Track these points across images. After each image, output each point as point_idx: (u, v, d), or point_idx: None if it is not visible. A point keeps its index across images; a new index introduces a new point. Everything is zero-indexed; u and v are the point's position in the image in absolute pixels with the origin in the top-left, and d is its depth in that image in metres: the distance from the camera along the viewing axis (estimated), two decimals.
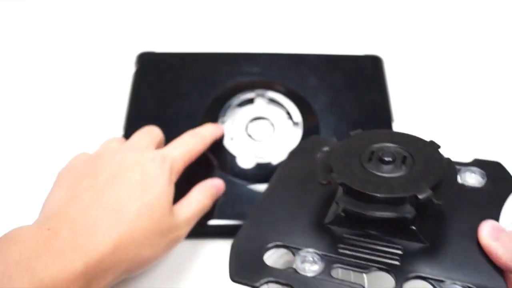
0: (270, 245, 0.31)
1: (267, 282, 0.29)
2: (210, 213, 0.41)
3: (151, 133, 0.41)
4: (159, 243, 0.34)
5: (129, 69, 0.52)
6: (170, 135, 0.42)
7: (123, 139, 0.42)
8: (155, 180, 0.35)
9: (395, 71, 0.53)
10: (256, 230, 0.32)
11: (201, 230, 0.41)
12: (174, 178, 0.37)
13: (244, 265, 0.30)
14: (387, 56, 0.53)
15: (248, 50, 0.54)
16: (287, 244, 0.31)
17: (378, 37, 0.57)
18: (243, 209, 0.42)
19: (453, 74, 0.54)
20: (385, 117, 0.47)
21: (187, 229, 0.37)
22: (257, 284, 0.29)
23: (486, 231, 0.30)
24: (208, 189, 0.40)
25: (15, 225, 0.31)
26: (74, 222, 0.31)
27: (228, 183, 0.43)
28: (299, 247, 0.30)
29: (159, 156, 0.37)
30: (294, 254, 0.30)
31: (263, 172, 0.45)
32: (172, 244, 0.36)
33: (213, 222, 0.42)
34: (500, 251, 0.28)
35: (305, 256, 0.30)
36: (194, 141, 0.41)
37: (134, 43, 0.56)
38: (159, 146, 0.41)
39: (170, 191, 0.36)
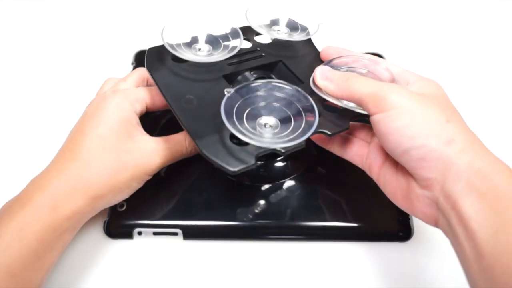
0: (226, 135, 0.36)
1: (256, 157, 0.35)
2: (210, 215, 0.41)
3: (129, 76, 0.43)
4: (122, 167, 0.37)
5: (127, 67, 0.52)
6: (166, 131, 0.42)
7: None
8: (104, 112, 0.38)
9: None
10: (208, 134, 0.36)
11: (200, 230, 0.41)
12: (132, 105, 0.39)
13: (232, 158, 0.35)
14: (388, 53, 0.53)
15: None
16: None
17: (379, 35, 0.57)
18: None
19: (454, 71, 0.54)
20: None
21: (156, 160, 0.38)
22: (254, 161, 0.35)
23: (317, 74, 0.39)
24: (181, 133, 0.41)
25: None
26: (41, 172, 0.36)
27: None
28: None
29: (110, 90, 0.40)
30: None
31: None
32: (138, 171, 0.38)
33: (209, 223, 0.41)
34: (330, 87, 0.37)
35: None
36: (154, 88, 0.42)
37: (131, 41, 0.55)
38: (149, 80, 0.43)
39: (122, 117, 0.38)
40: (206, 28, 0.43)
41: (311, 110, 0.37)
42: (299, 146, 0.35)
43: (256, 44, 0.45)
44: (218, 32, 0.43)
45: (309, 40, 0.46)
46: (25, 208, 0.33)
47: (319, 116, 0.37)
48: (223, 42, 0.43)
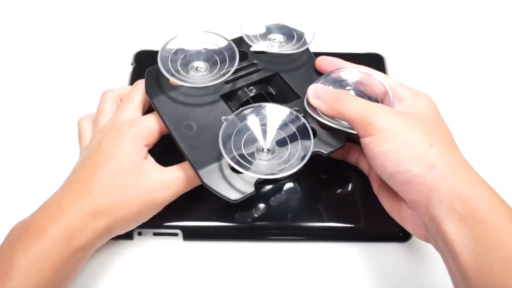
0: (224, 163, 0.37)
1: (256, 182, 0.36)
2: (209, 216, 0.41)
3: (130, 97, 0.42)
4: (129, 204, 0.37)
5: (127, 67, 0.52)
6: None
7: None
8: (118, 147, 0.38)
9: (397, 69, 0.52)
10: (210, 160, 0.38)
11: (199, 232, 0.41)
12: (144, 139, 0.39)
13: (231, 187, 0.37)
14: (389, 53, 0.53)
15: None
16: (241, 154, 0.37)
17: (380, 35, 0.57)
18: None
19: (454, 71, 0.54)
20: None
21: (162, 194, 0.38)
22: (253, 189, 0.36)
23: (311, 93, 0.40)
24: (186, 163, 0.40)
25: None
26: (49, 201, 0.37)
27: None
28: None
29: (126, 124, 0.40)
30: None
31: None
32: (145, 207, 0.38)
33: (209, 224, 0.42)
34: (321, 106, 0.39)
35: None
36: None
37: (131, 41, 0.55)
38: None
39: (133, 153, 0.38)
40: (203, 43, 0.43)
41: (306, 133, 0.38)
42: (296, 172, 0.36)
43: (252, 56, 0.45)
44: (214, 46, 0.43)
45: (306, 49, 0.46)
46: (42, 241, 0.34)
47: (315, 135, 0.39)
48: (219, 57, 0.43)
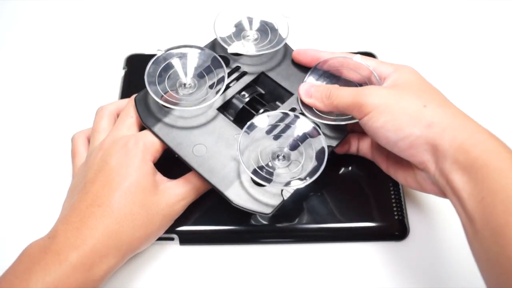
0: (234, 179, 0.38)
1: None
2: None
3: (128, 113, 0.42)
4: (151, 221, 0.38)
5: (118, 71, 0.51)
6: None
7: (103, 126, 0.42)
8: (129, 166, 0.38)
9: None
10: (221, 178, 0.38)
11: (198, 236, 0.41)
12: (151, 156, 0.39)
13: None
14: (380, 52, 0.53)
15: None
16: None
17: (371, 33, 0.57)
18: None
19: (446, 69, 0.54)
20: None
21: (180, 205, 0.39)
22: (282, 199, 0.38)
23: (302, 93, 0.41)
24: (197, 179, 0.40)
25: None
26: (67, 224, 0.36)
27: None
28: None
29: (131, 141, 0.39)
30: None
31: None
32: (166, 220, 0.39)
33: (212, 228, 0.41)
34: (316, 104, 0.40)
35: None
36: None
37: (121, 45, 0.55)
38: None
39: (146, 171, 0.38)
40: (187, 59, 0.42)
41: (314, 130, 0.39)
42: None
43: (233, 60, 0.45)
44: (195, 58, 0.42)
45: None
46: (62, 268, 0.33)
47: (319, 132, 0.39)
48: (204, 70, 0.42)
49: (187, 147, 0.40)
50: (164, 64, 0.41)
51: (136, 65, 0.51)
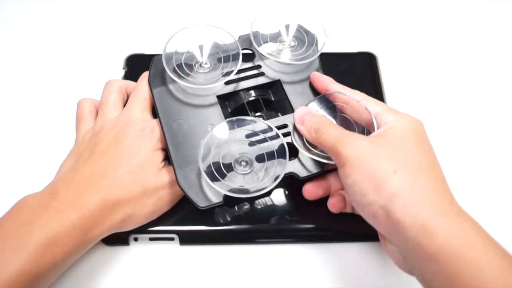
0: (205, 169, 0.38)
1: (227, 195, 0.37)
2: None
3: (142, 93, 0.43)
4: (145, 202, 0.39)
5: (118, 71, 0.51)
6: None
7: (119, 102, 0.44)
8: (141, 149, 0.40)
9: (390, 68, 0.52)
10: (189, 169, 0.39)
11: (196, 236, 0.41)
12: (163, 145, 0.41)
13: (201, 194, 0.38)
14: (381, 52, 0.53)
15: None
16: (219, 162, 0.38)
17: (372, 34, 0.57)
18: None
19: (447, 69, 0.54)
20: None
21: (173, 189, 0.40)
22: (221, 200, 0.38)
23: (296, 118, 0.39)
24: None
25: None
26: (69, 185, 0.37)
27: None
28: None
29: (149, 127, 0.41)
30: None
31: None
32: (160, 202, 0.40)
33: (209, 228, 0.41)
34: (305, 133, 0.38)
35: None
36: None
37: (121, 45, 0.55)
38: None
39: (155, 156, 0.40)
40: (211, 38, 0.44)
41: (284, 153, 0.38)
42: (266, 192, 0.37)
43: (258, 57, 0.45)
44: (221, 42, 0.43)
45: (315, 60, 0.45)
46: (64, 226, 0.35)
47: (297, 155, 0.39)
48: (223, 55, 0.43)
49: (171, 118, 0.41)
50: (189, 38, 0.43)
51: (136, 65, 0.51)
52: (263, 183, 0.37)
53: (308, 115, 0.39)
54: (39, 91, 0.52)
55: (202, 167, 0.37)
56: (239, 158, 0.39)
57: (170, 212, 0.41)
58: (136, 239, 0.41)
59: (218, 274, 0.40)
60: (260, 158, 0.39)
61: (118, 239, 0.41)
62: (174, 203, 0.41)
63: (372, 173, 0.32)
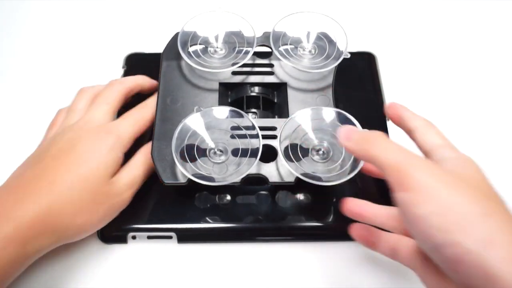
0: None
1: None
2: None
3: (105, 98, 0.42)
4: (96, 210, 0.37)
5: (118, 70, 0.51)
6: None
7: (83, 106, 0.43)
8: (94, 153, 0.38)
9: (389, 68, 0.52)
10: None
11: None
12: (122, 148, 0.39)
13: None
14: (380, 52, 0.53)
15: None
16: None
17: (371, 34, 0.57)
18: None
19: (446, 69, 0.54)
20: (379, 113, 0.47)
21: (128, 193, 0.39)
22: (185, 181, 0.38)
23: (342, 135, 0.34)
24: (147, 152, 0.40)
25: None
26: (9, 194, 0.35)
27: None
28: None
29: (104, 130, 0.39)
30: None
31: None
32: (112, 209, 0.38)
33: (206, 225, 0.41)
34: (352, 148, 0.33)
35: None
36: (141, 112, 0.42)
37: (121, 44, 0.55)
38: (129, 93, 0.44)
39: (110, 161, 0.38)
40: (232, 26, 0.45)
41: (257, 152, 0.38)
42: (234, 183, 0.37)
43: (274, 57, 0.44)
44: (243, 32, 0.45)
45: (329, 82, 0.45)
46: None
47: (275, 157, 0.39)
48: (239, 47, 0.44)
49: (168, 92, 0.43)
50: (212, 22, 0.45)
51: (135, 64, 0.51)
52: (230, 177, 0.38)
53: (354, 132, 0.34)
54: (39, 90, 0.52)
55: (174, 144, 0.38)
56: (216, 146, 0.40)
57: (168, 210, 0.41)
58: (134, 237, 0.41)
59: (216, 272, 0.40)
60: (235, 153, 0.39)
61: (116, 237, 0.41)
62: (126, 205, 0.40)
63: (458, 209, 0.27)
